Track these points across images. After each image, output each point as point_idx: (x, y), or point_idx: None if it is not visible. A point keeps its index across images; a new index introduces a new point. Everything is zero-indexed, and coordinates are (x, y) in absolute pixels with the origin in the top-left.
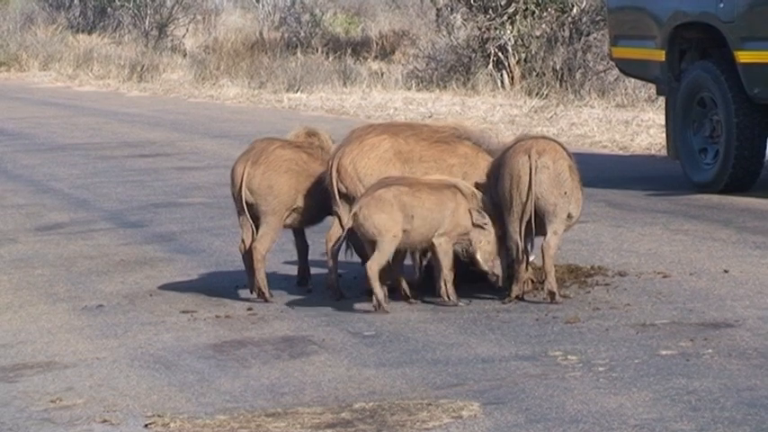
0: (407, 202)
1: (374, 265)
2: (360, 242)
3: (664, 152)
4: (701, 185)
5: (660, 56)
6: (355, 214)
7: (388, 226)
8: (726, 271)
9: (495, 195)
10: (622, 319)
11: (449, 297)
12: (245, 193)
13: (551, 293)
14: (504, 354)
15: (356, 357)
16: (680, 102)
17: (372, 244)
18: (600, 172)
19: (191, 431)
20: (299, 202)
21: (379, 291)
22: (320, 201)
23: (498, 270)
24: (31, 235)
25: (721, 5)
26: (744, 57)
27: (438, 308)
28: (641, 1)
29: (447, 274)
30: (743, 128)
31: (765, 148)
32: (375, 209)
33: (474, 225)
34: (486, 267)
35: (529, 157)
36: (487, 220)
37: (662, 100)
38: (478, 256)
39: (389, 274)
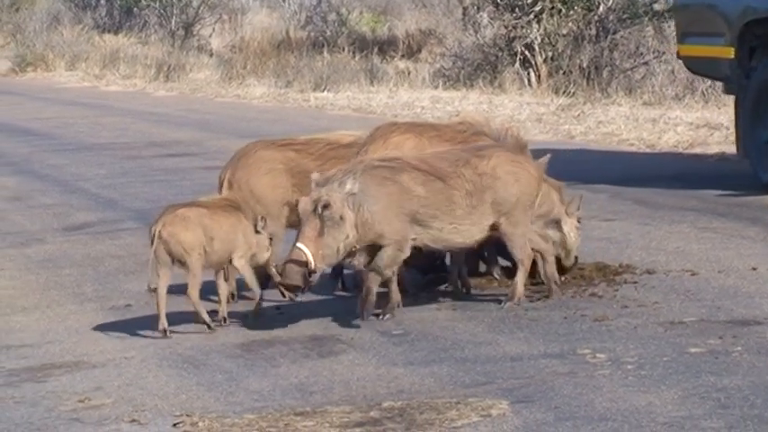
0: (207, 224)
1: (193, 291)
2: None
3: (690, 150)
4: None
5: (729, 53)
6: (159, 232)
7: (194, 245)
8: (754, 268)
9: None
10: (651, 316)
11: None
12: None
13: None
14: (532, 352)
15: (384, 356)
16: (750, 100)
17: (180, 263)
18: (627, 170)
19: (219, 430)
20: None
21: (203, 311)
22: None
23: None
24: (59, 235)
25: None
26: None
27: (467, 306)
28: None
29: (258, 292)
30: None
31: None
32: (181, 227)
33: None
34: (272, 272)
35: None
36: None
37: (689, 97)
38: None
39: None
